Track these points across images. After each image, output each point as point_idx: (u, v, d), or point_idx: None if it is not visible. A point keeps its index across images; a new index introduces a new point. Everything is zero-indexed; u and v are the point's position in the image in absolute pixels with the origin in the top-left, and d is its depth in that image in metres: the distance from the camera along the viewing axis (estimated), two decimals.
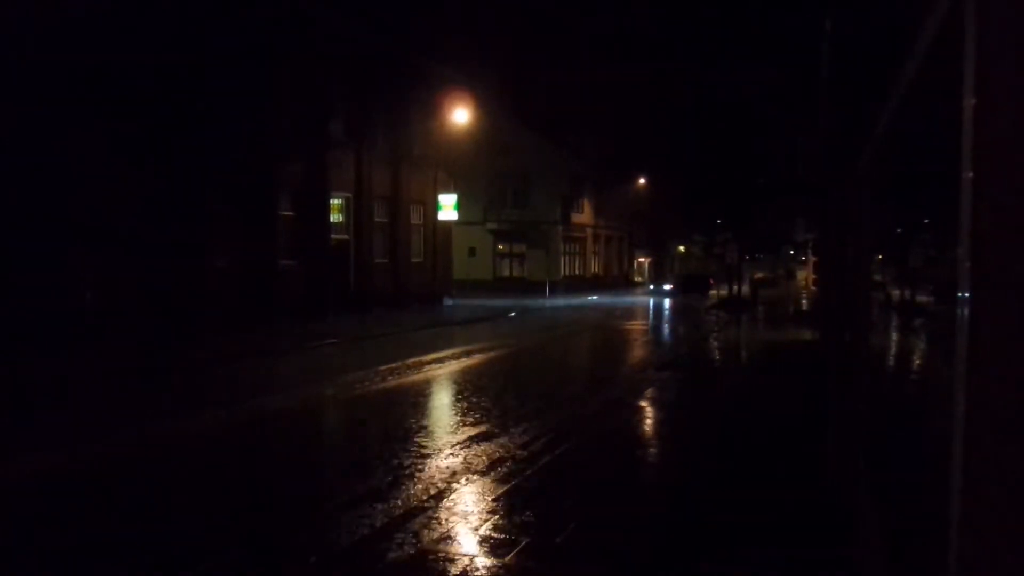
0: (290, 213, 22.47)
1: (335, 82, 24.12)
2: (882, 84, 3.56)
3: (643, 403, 10.83)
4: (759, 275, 54.05)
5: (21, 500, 6.40)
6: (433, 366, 14.24)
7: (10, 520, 5.91)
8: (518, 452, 7.62)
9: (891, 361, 5.00)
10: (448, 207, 29.54)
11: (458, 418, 9.50)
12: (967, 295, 1.52)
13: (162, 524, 5.73)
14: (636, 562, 4.98)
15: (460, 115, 27.84)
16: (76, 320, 14.95)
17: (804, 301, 39.26)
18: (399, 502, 6.04)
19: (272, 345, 16.69)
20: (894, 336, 5.15)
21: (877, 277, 5.41)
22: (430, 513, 5.76)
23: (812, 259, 51.86)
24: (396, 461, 7.31)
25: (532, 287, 43.60)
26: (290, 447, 8.53)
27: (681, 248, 74.00)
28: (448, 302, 30.29)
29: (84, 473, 7.20)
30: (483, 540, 5.23)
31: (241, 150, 19.60)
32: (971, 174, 1.55)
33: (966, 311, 1.52)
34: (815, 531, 5.55)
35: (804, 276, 58.28)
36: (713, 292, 43.36)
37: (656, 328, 25.92)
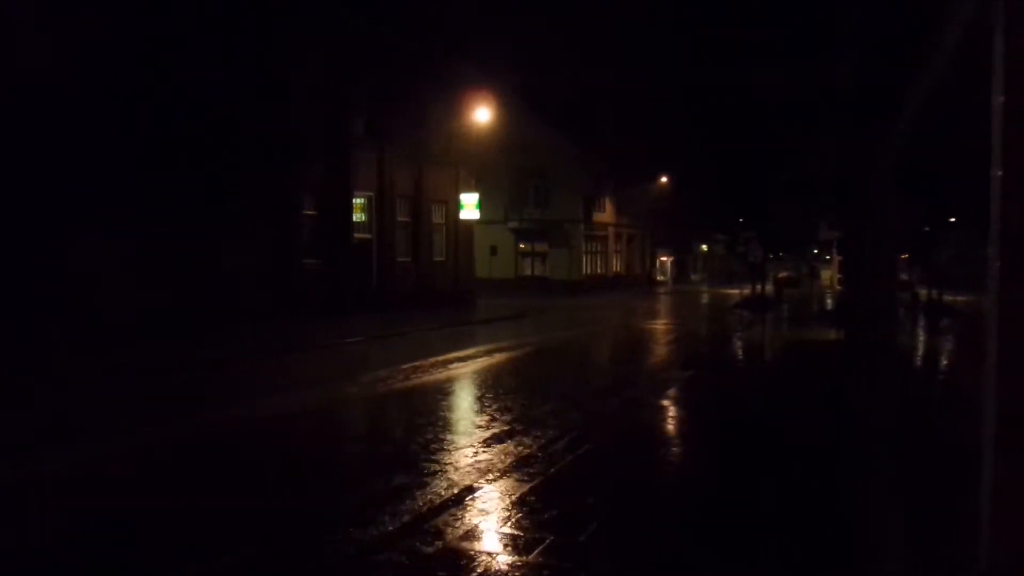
0: (313, 212, 22.63)
1: (357, 81, 24.24)
2: (908, 82, 3.53)
3: (665, 402, 10.79)
4: (783, 274, 53.56)
5: (50, 496, 6.51)
6: (456, 364, 14.28)
7: (42, 513, 6.03)
8: (541, 451, 7.63)
9: (918, 362, 4.96)
10: (470, 206, 29.57)
11: (480, 416, 9.53)
12: (997, 293, 1.51)
13: (187, 516, 5.81)
14: (659, 561, 4.98)
15: (482, 114, 27.85)
16: (98, 319, 15.11)
17: (829, 300, 38.88)
18: (423, 499, 6.08)
19: (295, 343, 16.82)
20: (921, 336, 5.11)
21: (904, 276, 5.37)
22: (453, 510, 5.79)
23: (837, 258, 51.35)
24: (419, 459, 7.35)
25: (554, 286, 43.55)
26: (312, 444, 8.60)
27: (704, 247, 73.60)
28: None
29: (114, 469, 7.31)
30: (507, 538, 5.25)
31: (264, 149, 19.76)
32: (1001, 172, 1.54)
33: (996, 309, 1.51)
34: (837, 536, 5.52)
35: (829, 275, 57.66)
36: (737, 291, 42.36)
37: None
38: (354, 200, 24.47)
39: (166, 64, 16.58)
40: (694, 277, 71.94)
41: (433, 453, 7.60)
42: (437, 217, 29.35)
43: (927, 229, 28.63)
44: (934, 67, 2.61)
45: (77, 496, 6.43)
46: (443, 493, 6.24)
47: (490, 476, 6.74)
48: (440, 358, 14.88)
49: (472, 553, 4.97)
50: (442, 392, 11.73)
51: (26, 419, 9.50)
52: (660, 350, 18.46)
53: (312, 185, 22.49)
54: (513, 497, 6.12)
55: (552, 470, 6.91)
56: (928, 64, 2.73)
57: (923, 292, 29.55)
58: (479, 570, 4.69)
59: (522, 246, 46.46)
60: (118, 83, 15.53)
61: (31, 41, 14.08)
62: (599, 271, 50.09)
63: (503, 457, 7.41)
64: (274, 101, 20.02)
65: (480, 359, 15.18)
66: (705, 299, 43.25)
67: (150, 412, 10.05)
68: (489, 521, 5.59)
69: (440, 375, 13.06)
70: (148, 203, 16.41)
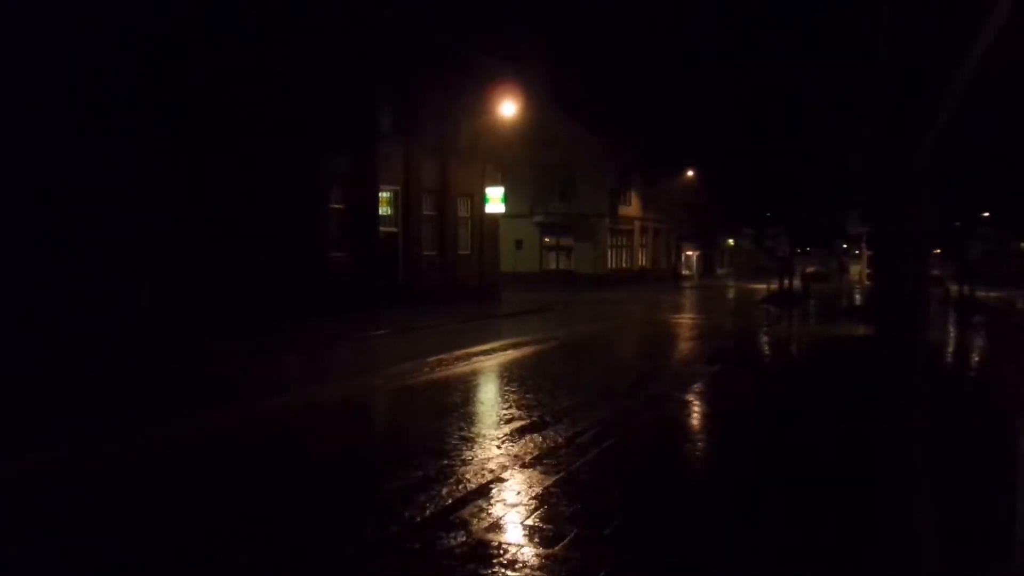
0: (340, 206, 22.78)
1: (383, 76, 24.34)
2: (941, 75, 3.49)
3: (691, 397, 10.75)
4: (811, 269, 53.03)
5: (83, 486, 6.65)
6: (480, 358, 14.33)
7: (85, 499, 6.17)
8: (565, 444, 7.65)
9: (950, 358, 4.91)
10: (495, 200, 29.60)
11: (505, 410, 9.56)
12: None
13: (206, 510, 5.92)
14: (684, 557, 4.98)
15: (507, 108, 27.84)
16: (129, 315, 15.26)
17: (857, 296, 38.45)
18: (448, 491, 6.12)
19: (322, 336, 16.97)
20: (952, 332, 5.05)
21: (936, 272, 5.31)
22: (479, 503, 5.83)
23: (866, 253, 50.68)
24: (444, 451, 7.40)
25: (579, 280, 43.47)
26: (338, 437, 8.69)
27: (731, 241, 73.05)
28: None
29: (144, 461, 7.46)
30: (532, 530, 5.28)
31: (292, 144, 19.92)
32: None
33: None
34: (866, 534, 5.48)
35: (858, 270, 56.98)
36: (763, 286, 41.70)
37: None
38: (380, 194, 24.59)
39: (191, 57, 16.74)
40: (720, 272, 71.44)
41: (458, 445, 7.64)
42: (463, 211, 29.41)
43: (959, 224, 28.21)
44: (969, 64, 2.58)
45: (125, 487, 6.57)
46: (468, 485, 6.28)
47: (515, 469, 6.77)
48: (465, 351, 14.93)
49: (497, 544, 5.00)
50: (467, 385, 11.79)
51: (41, 416, 9.71)
52: (685, 345, 18.38)
53: (339, 179, 22.64)
54: (538, 490, 6.15)
55: (577, 464, 6.92)
56: (963, 61, 2.70)
57: (954, 288, 29.10)
58: (504, 561, 4.72)
59: (547, 240, 46.42)
60: (138, 74, 15.62)
61: (46, 27, 14.24)
62: (624, 265, 49.90)
63: (528, 450, 7.43)
64: (301, 95, 20.16)
65: (505, 352, 15.22)
66: (731, 294, 42.93)
67: (176, 407, 10.21)
68: (514, 513, 5.62)
69: (465, 368, 13.11)
70: (171, 198, 16.57)
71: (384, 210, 25.09)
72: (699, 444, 8.48)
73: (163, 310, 15.79)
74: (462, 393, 11.10)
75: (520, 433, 8.17)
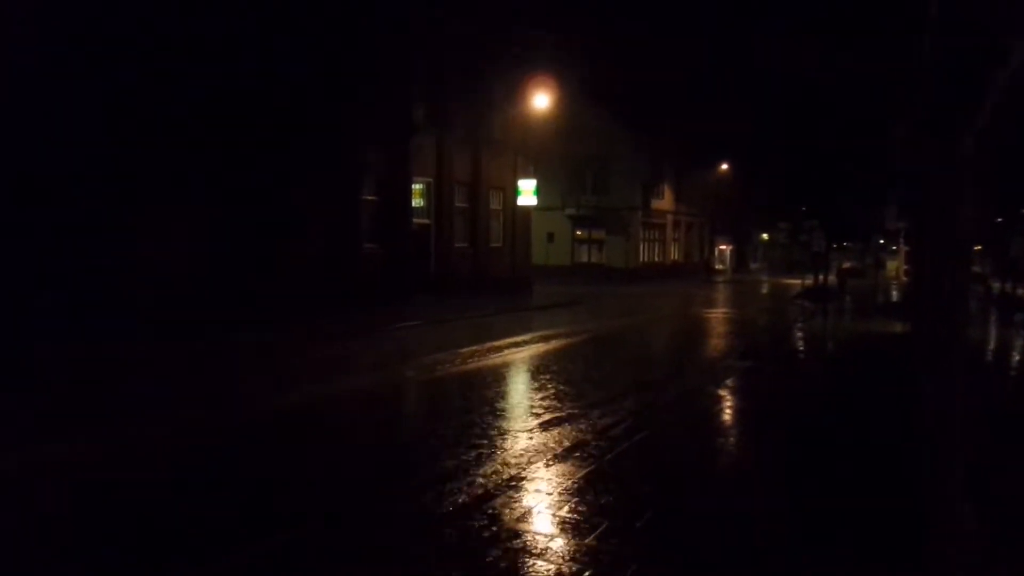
0: (373, 198, 22.95)
1: (416, 68, 24.42)
2: (987, 69, 3.43)
3: (723, 392, 10.70)
4: (847, 264, 52.29)
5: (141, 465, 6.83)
6: (512, 350, 14.38)
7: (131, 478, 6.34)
8: (597, 437, 7.67)
9: (990, 356, 4.84)
10: (527, 192, 29.58)
11: (537, 401, 9.59)
12: None
13: (252, 492, 6.04)
14: (716, 553, 4.98)
15: (540, 100, 27.79)
16: (159, 302, 15.45)
17: (895, 292, 37.86)
18: (480, 481, 6.18)
19: (355, 327, 17.15)
20: (993, 330, 4.97)
21: (977, 269, 5.22)
22: (511, 493, 5.88)
23: (904, 248, 49.87)
24: (477, 442, 7.46)
25: (610, 273, 43.35)
26: (371, 426, 8.80)
27: (764, 235, 72.22)
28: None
29: (155, 456, 7.62)
30: (564, 522, 5.31)
31: (324, 136, 20.07)
32: None
33: None
34: (902, 532, 5.43)
35: (895, 266, 56.13)
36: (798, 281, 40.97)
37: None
38: (413, 186, 24.72)
39: (225, 51, 16.90)
40: (754, 266, 70.73)
41: (490, 436, 7.70)
42: (495, 203, 29.45)
43: (1001, 220, 27.61)
44: (1015, 53, 2.55)
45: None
46: (500, 475, 6.33)
47: (546, 460, 6.80)
48: (496, 343, 14.99)
49: (529, 534, 5.04)
50: (499, 376, 11.84)
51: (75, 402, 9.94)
52: (718, 340, 18.26)
53: (372, 171, 22.79)
54: (569, 482, 6.18)
55: (608, 456, 6.94)
56: (1008, 51, 2.67)
57: (996, 285, 28.50)
58: (536, 551, 4.77)
59: (579, 233, 46.32)
60: (172, 68, 15.79)
61: (92, 19, 14.45)
62: (656, 259, 49.63)
63: (559, 442, 7.46)
64: (334, 88, 20.30)
65: (536, 345, 15.25)
66: (765, 289, 42.51)
67: (213, 395, 10.40)
68: (547, 504, 5.66)
69: (497, 360, 13.17)
70: (207, 189, 16.77)
71: (417, 202, 25.22)
72: (732, 440, 8.44)
73: (194, 302, 15.95)
74: (494, 385, 11.15)
75: (551, 425, 8.20)
